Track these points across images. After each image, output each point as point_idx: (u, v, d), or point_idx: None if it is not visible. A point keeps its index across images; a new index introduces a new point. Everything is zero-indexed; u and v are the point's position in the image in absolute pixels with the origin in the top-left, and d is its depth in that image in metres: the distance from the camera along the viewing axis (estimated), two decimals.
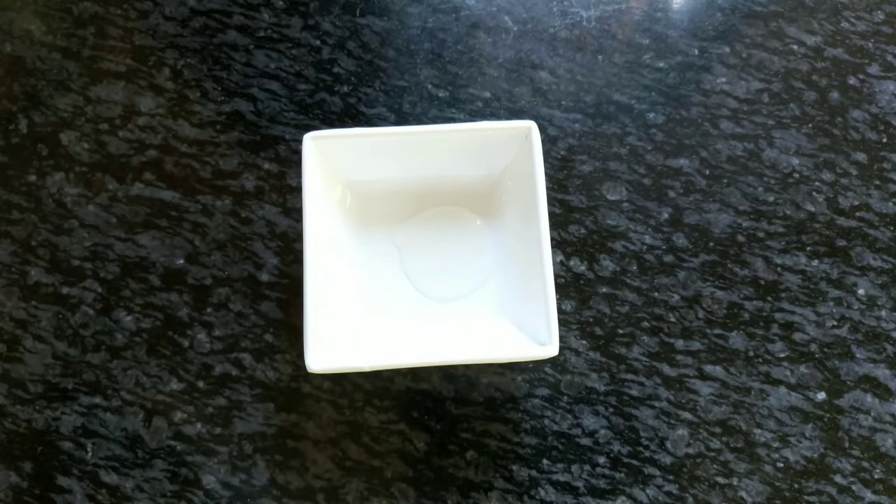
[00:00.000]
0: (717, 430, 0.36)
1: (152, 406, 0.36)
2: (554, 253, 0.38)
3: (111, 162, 0.40)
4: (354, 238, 0.37)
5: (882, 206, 0.40)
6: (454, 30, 0.42)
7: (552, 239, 0.36)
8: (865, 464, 0.36)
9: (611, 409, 0.37)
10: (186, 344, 0.37)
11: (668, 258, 0.39)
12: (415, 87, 0.41)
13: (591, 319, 0.38)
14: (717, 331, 0.38)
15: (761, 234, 0.39)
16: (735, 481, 0.36)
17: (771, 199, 0.40)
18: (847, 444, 0.36)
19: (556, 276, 0.38)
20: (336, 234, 0.36)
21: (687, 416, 0.37)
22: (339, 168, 0.36)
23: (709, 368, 0.37)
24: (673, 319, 0.38)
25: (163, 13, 0.42)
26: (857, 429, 0.37)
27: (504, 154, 0.36)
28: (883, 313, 0.38)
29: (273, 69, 0.41)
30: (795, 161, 0.40)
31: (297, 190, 0.39)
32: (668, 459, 0.36)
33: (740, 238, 0.39)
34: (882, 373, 0.37)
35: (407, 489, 0.36)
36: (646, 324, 0.38)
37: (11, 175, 0.39)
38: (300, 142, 0.35)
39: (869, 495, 0.36)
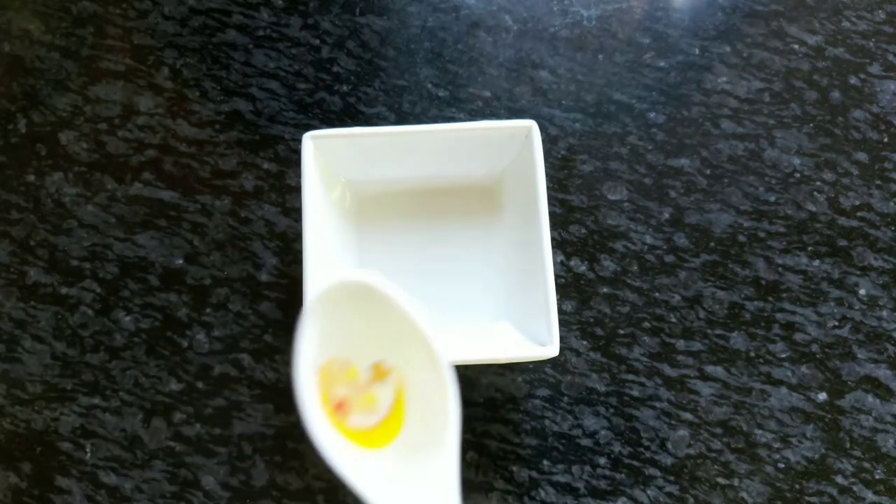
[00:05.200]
0: (718, 430, 0.36)
1: (151, 406, 0.36)
2: (554, 253, 0.38)
3: (110, 162, 0.40)
4: (354, 238, 0.37)
5: (883, 206, 0.39)
6: (454, 29, 0.42)
7: (553, 239, 0.36)
8: (866, 464, 0.36)
9: (611, 410, 0.37)
10: (185, 344, 0.37)
11: (669, 258, 0.39)
12: (415, 87, 0.41)
13: (591, 320, 0.38)
14: (718, 331, 0.38)
15: (762, 234, 0.39)
16: (736, 482, 0.36)
17: (772, 198, 0.40)
18: (848, 445, 0.36)
19: (557, 277, 0.38)
20: (335, 234, 0.35)
21: (688, 416, 0.37)
22: (338, 168, 0.36)
23: (710, 369, 0.37)
24: (674, 320, 0.38)
25: (162, 12, 0.42)
26: (858, 429, 0.37)
27: (504, 154, 0.35)
28: (884, 313, 0.38)
29: (272, 68, 0.41)
30: (797, 161, 0.40)
31: (297, 190, 0.39)
32: (668, 460, 0.36)
33: (741, 238, 0.39)
34: (883, 373, 0.37)
35: None
36: (646, 324, 0.38)
37: (10, 175, 0.39)
38: (299, 141, 0.35)
39: (870, 496, 0.36)
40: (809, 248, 0.39)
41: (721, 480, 0.36)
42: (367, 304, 0.21)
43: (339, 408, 0.21)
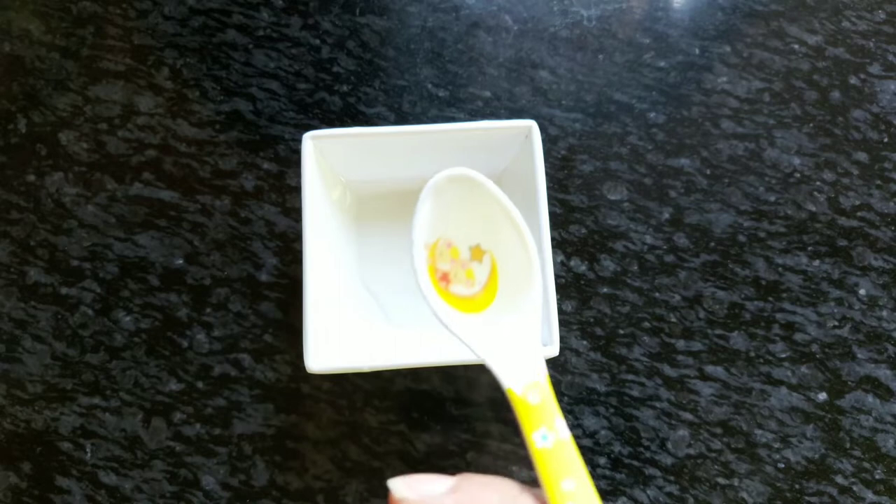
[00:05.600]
0: (718, 430, 0.36)
1: (151, 406, 0.36)
2: (554, 253, 0.38)
3: (110, 162, 0.40)
4: (354, 238, 0.37)
5: (883, 206, 0.39)
6: (454, 29, 0.42)
7: (553, 239, 0.36)
8: (866, 464, 0.36)
9: (611, 410, 0.37)
10: (185, 344, 0.37)
11: (669, 258, 0.39)
12: (415, 87, 0.41)
13: (591, 320, 0.38)
14: (718, 331, 0.38)
15: (762, 234, 0.39)
16: (736, 482, 0.36)
17: (772, 198, 0.40)
18: (848, 445, 0.36)
19: (557, 277, 0.38)
20: (335, 234, 0.35)
21: (688, 416, 0.37)
22: (338, 168, 0.36)
23: (710, 369, 0.37)
24: (674, 320, 0.38)
25: (162, 12, 0.42)
26: (858, 429, 0.37)
27: (504, 154, 0.35)
28: (884, 313, 0.38)
29: (272, 68, 0.41)
30: (797, 161, 0.40)
31: (297, 190, 0.39)
32: (668, 460, 0.36)
33: (741, 238, 0.39)
34: (883, 373, 0.37)
35: None
36: (646, 324, 0.38)
37: (10, 175, 0.39)
38: (299, 141, 0.35)
39: (870, 496, 0.36)
40: (809, 248, 0.39)
41: (721, 480, 0.36)
42: (470, 194, 0.25)
43: (443, 278, 0.26)
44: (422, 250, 0.26)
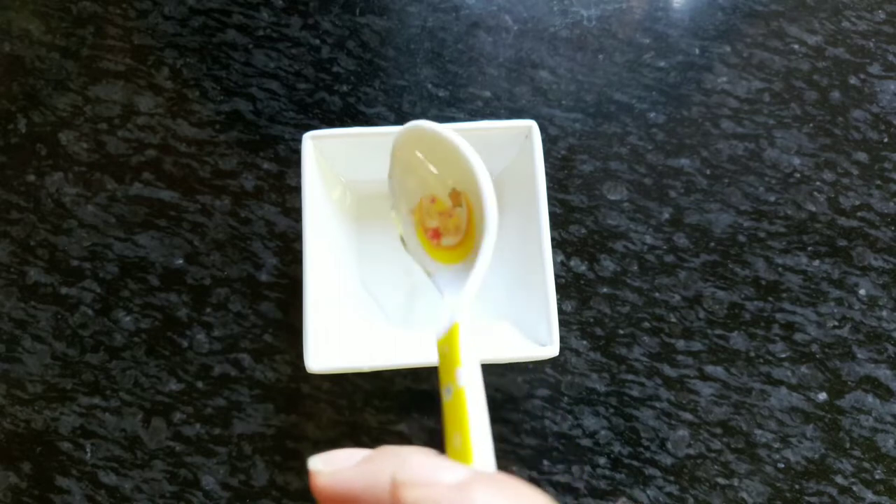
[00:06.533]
0: (718, 430, 0.36)
1: (151, 406, 0.36)
2: (554, 253, 0.38)
3: (110, 162, 0.40)
4: (354, 238, 0.37)
5: (883, 206, 0.39)
6: (454, 29, 0.42)
7: (552, 239, 0.36)
8: (866, 464, 0.36)
9: (611, 410, 0.37)
10: (185, 344, 0.37)
11: (669, 258, 0.39)
12: (415, 87, 0.41)
13: (591, 320, 0.38)
14: (718, 331, 0.38)
15: (762, 234, 0.39)
16: (736, 482, 0.36)
17: (772, 198, 0.40)
18: (848, 445, 0.36)
19: (557, 277, 0.38)
20: (335, 234, 0.35)
21: (688, 416, 0.37)
22: (338, 168, 0.36)
23: (710, 369, 0.37)
24: (674, 320, 0.38)
25: (162, 12, 0.42)
26: (858, 429, 0.37)
27: (504, 154, 0.35)
28: (884, 313, 0.38)
29: (272, 68, 0.41)
30: (796, 161, 0.40)
31: (297, 190, 0.39)
32: (668, 460, 0.36)
33: (741, 238, 0.39)
34: (883, 373, 0.37)
35: None
36: (646, 324, 0.38)
37: (10, 175, 0.39)
38: (299, 141, 0.35)
39: (870, 496, 0.36)
40: (809, 248, 0.39)
41: (721, 480, 0.36)
42: (431, 145, 0.25)
43: (434, 235, 0.26)
44: (408, 217, 0.26)
